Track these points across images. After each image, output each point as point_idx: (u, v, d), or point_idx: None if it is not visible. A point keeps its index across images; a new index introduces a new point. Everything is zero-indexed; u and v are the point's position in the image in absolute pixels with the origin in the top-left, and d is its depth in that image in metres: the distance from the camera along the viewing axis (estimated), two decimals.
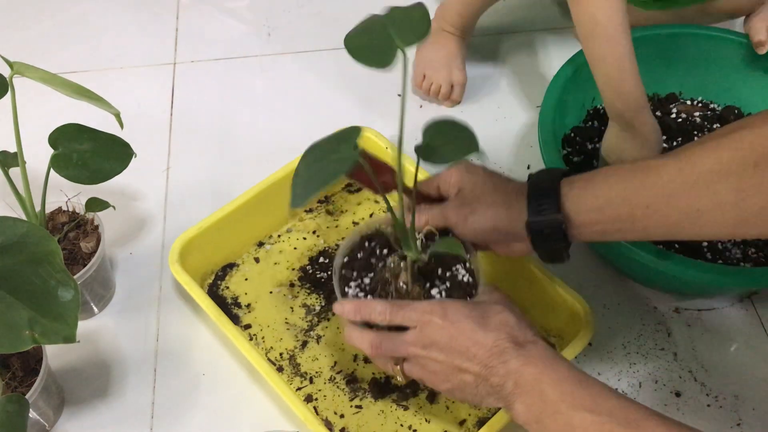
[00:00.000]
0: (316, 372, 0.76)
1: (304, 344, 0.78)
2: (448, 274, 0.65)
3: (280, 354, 0.78)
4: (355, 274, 0.66)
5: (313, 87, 1.06)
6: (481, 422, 0.72)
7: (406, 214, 0.61)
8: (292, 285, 0.83)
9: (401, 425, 0.73)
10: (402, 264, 0.64)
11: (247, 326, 0.80)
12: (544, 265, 0.76)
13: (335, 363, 0.77)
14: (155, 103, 1.05)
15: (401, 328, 0.61)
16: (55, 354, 0.74)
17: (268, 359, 0.77)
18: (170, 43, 1.14)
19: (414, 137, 0.56)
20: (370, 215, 0.89)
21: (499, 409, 0.69)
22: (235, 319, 0.80)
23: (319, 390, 0.75)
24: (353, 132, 0.53)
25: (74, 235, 0.77)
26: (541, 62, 1.09)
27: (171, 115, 1.03)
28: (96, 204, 0.77)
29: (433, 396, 0.75)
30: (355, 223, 0.88)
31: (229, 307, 0.81)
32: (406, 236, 0.62)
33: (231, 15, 1.18)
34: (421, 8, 0.55)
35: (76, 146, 0.70)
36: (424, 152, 0.55)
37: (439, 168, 0.64)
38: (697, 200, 0.54)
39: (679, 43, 0.94)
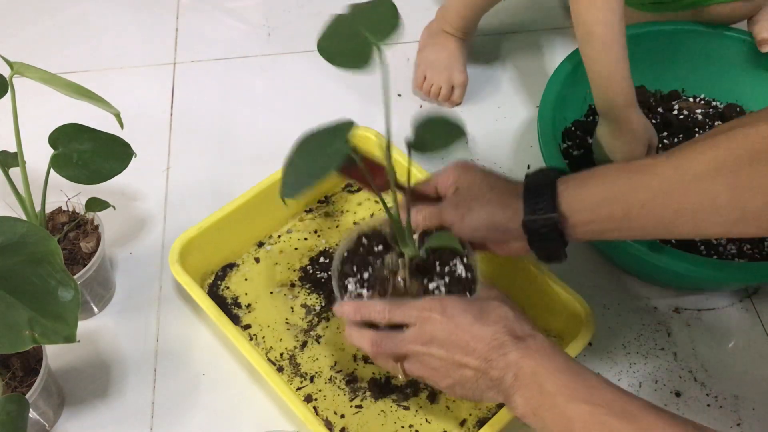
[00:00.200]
0: (316, 372, 0.76)
1: (304, 344, 0.78)
2: (446, 269, 0.66)
3: (280, 354, 0.78)
4: (354, 269, 0.67)
5: (313, 87, 1.06)
6: (482, 422, 0.72)
7: (401, 212, 0.62)
8: (292, 285, 0.83)
9: (402, 425, 0.73)
10: (400, 261, 0.64)
11: (247, 326, 0.80)
12: (544, 265, 0.76)
13: (335, 363, 0.77)
14: (155, 103, 1.05)
15: (401, 328, 0.61)
16: (55, 354, 0.74)
17: (268, 359, 0.77)
18: (170, 43, 1.13)
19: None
20: (371, 215, 0.89)
21: (500, 409, 0.69)
22: (235, 320, 0.80)
23: (320, 390, 0.75)
24: (346, 126, 0.53)
25: (74, 235, 0.77)
26: (541, 62, 1.09)
27: (171, 115, 1.03)
28: (96, 204, 0.77)
29: (433, 396, 0.75)
30: (356, 223, 0.88)
31: (229, 308, 0.81)
32: (402, 233, 0.62)
33: (231, 15, 1.18)
34: (386, 1, 0.55)
35: (76, 146, 0.70)
36: (414, 145, 0.55)
37: (433, 163, 0.64)
38: (693, 199, 0.55)
39: (682, 40, 0.94)
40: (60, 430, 0.74)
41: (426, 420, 0.73)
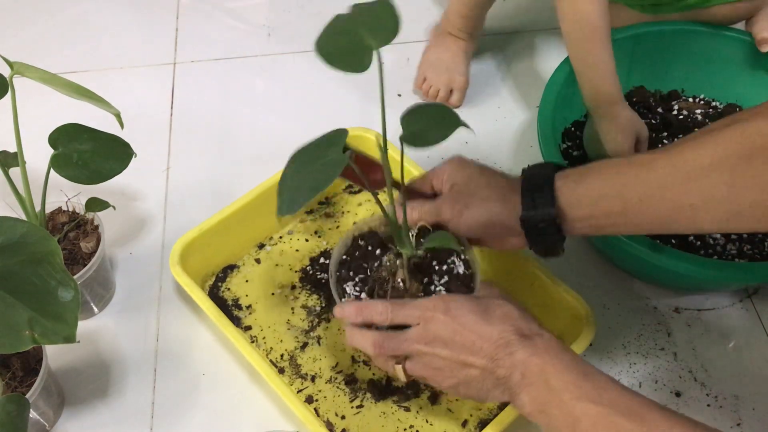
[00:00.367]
0: (317, 373, 0.76)
1: (305, 345, 0.78)
2: (444, 267, 0.65)
3: (281, 355, 0.78)
4: (351, 273, 0.66)
5: (313, 87, 1.06)
6: (483, 423, 0.72)
7: (397, 210, 0.61)
8: (293, 287, 0.83)
9: (403, 426, 0.73)
10: (398, 261, 0.64)
11: (248, 328, 0.80)
12: (545, 267, 0.76)
13: (336, 364, 0.77)
14: (155, 103, 1.05)
15: (402, 328, 0.61)
16: (55, 354, 0.74)
17: (269, 361, 0.77)
18: (170, 43, 1.13)
19: None
20: (371, 216, 0.89)
21: (501, 410, 0.69)
22: (235, 321, 0.80)
23: (320, 391, 0.75)
24: (340, 135, 0.53)
25: (74, 235, 0.77)
26: (541, 63, 1.09)
27: (171, 115, 1.03)
28: (96, 204, 0.77)
29: (435, 397, 0.74)
30: (356, 224, 0.88)
31: (230, 309, 0.81)
32: (399, 233, 0.62)
33: (231, 15, 1.18)
34: (386, 4, 0.55)
35: (76, 146, 0.70)
36: (408, 139, 0.55)
37: (429, 156, 0.64)
38: (690, 195, 0.55)
39: (682, 40, 0.94)
40: (60, 430, 0.74)
41: (427, 421, 0.73)
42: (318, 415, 0.73)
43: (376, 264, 0.66)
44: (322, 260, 0.85)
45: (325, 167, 0.51)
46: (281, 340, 0.79)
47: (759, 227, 0.55)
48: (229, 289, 0.83)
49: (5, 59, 0.68)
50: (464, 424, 0.73)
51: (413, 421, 0.73)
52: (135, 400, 0.76)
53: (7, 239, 0.57)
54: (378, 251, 0.67)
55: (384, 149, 0.56)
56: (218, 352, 0.79)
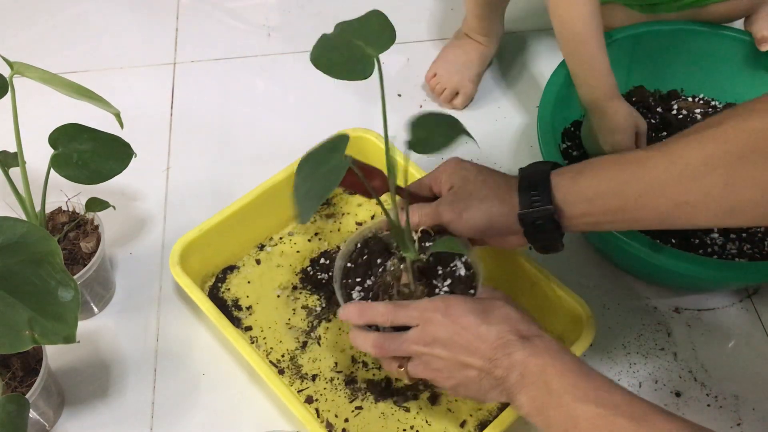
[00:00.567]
0: (317, 373, 0.76)
1: (305, 346, 0.78)
2: (447, 270, 0.65)
3: (281, 356, 0.78)
4: (358, 279, 0.66)
5: (313, 87, 1.06)
6: (483, 424, 0.72)
7: (400, 215, 0.61)
8: (294, 287, 0.83)
9: (402, 427, 0.73)
10: (402, 266, 0.64)
11: (248, 328, 0.80)
12: (544, 266, 0.76)
13: (336, 364, 0.77)
14: (155, 103, 1.05)
15: (405, 329, 0.61)
16: (55, 354, 0.74)
17: (270, 361, 0.77)
18: (170, 43, 1.13)
19: None
20: (371, 217, 0.89)
21: (501, 411, 0.69)
22: (236, 322, 0.80)
23: (320, 391, 0.75)
24: (342, 141, 0.53)
25: (74, 235, 0.77)
26: (541, 63, 1.09)
27: (171, 115, 1.03)
28: (96, 204, 0.77)
29: (434, 397, 0.74)
30: (358, 224, 0.88)
31: (230, 310, 0.81)
32: (402, 237, 0.62)
33: (231, 15, 1.18)
34: (377, 14, 0.56)
35: (76, 146, 0.70)
36: (415, 146, 0.55)
37: (429, 157, 0.64)
38: (687, 192, 0.55)
39: (681, 40, 0.94)
40: (60, 430, 0.74)
41: (426, 421, 0.73)
42: (318, 415, 0.73)
43: (380, 270, 0.66)
44: (322, 261, 0.85)
45: (328, 173, 0.51)
46: (281, 341, 0.79)
47: (754, 223, 0.55)
48: (229, 289, 0.83)
49: (5, 59, 0.68)
50: (463, 424, 0.73)
51: (413, 421, 0.73)
52: (135, 400, 0.76)
53: (7, 239, 0.57)
54: (382, 256, 0.67)
55: (387, 155, 0.56)
56: (218, 353, 0.79)
